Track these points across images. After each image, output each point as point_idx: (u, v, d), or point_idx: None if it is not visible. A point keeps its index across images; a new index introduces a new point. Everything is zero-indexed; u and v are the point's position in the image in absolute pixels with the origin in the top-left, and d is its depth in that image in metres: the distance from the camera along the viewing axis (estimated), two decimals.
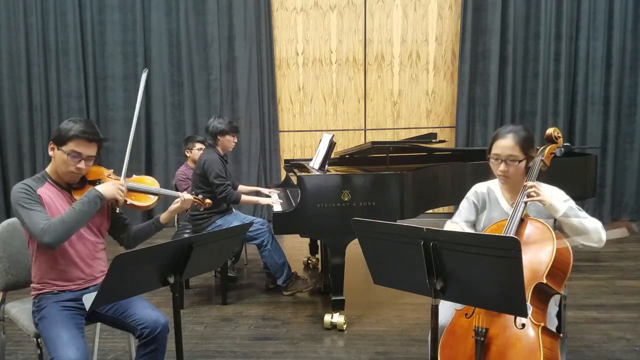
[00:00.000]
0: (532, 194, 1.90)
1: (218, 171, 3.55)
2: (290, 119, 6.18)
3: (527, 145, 2.01)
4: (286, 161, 4.53)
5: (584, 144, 5.64)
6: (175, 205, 2.30)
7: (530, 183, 1.96)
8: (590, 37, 5.60)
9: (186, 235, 3.18)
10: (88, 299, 1.99)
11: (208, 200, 2.48)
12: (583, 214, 1.92)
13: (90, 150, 2.05)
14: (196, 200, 2.39)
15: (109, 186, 2.04)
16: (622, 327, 3.07)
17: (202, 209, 3.44)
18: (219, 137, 3.66)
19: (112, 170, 2.26)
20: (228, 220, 3.64)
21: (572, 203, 1.98)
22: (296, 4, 5.98)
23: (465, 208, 2.22)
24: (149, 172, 6.10)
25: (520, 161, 2.00)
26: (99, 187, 1.99)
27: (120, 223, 2.31)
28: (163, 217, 2.30)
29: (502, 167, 2.01)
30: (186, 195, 2.31)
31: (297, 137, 6.20)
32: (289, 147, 6.22)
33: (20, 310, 2.24)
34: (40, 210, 1.95)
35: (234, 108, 5.98)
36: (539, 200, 1.91)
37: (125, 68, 5.99)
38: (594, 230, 1.88)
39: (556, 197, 1.95)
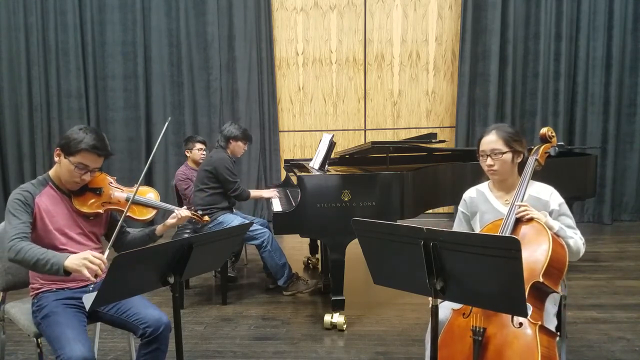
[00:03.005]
0: (524, 214, 1.91)
1: (230, 169, 3.66)
2: (290, 119, 6.18)
3: (510, 139, 2.05)
4: (286, 161, 4.53)
5: (584, 144, 5.64)
6: (171, 220, 2.31)
7: (519, 203, 1.95)
8: (590, 37, 5.60)
9: (186, 235, 3.18)
10: (88, 299, 1.99)
11: (207, 218, 2.50)
12: (570, 232, 1.97)
13: (98, 164, 2.09)
14: (194, 216, 2.40)
15: (77, 260, 1.81)
16: (622, 327, 3.07)
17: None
18: (231, 141, 3.78)
19: (114, 178, 2.28)
20: (229, 218, 3.66)
21: (565, 208, 2.04)
22: (296, 4, 5.98)
23: (456, 220, 2.33)
24: (148, 172, 6.10)
25: (504, 153, 2.03)
26: (67, 261, 1.80)
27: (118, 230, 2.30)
28: (159, 229, 2.31)
29: (488, 161, 2.07)
30: (183, 212, 2.31)
31: (297, 137, 6.20)
32: (289, 147, 6.23)
33: (20, 310, 2.24)
34: (22, 221, 1.93)
35: (234, 108, 5.98)
36: (535, 219, 1.91)
37: (125, 68, 5.99)
38: (576, 252, 1.96)
39: (549, 218, 1.96)
